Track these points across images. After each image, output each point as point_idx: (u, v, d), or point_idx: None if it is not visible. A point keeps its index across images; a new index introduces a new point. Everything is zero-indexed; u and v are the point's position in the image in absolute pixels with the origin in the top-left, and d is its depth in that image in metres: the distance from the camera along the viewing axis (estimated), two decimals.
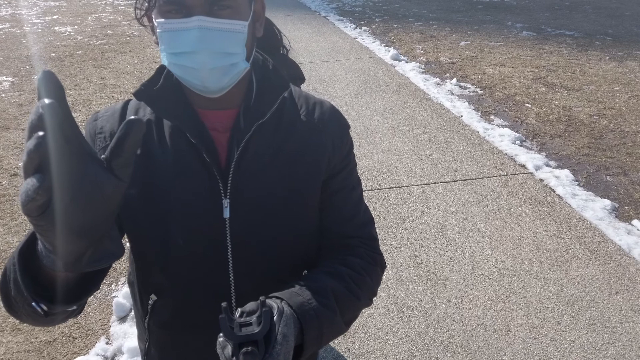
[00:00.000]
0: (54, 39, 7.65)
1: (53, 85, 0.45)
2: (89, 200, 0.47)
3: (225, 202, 0.84)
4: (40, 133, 0.42)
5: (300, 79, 1.83)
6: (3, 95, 5.23)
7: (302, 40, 7.67)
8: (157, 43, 0.79)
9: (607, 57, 6.60)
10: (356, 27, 8.67)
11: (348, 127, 0.97)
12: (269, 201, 0.86)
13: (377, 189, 3.49)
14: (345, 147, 0.95)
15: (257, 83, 0.88)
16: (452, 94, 5.41)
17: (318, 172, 0.90)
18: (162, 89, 0.84)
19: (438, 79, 5.91)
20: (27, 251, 0.60)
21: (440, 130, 4.45)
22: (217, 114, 0.86)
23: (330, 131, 0.92)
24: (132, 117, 0.48)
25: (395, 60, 6.64)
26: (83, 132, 0.65)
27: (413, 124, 4.59)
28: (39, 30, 8.19)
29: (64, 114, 0.44)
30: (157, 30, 0.76)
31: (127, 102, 0.91)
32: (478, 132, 4.41)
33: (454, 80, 5.75)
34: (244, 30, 0.78)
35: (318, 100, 0.96)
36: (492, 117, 4.79)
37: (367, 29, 8.57)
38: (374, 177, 3.64)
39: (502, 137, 4.28)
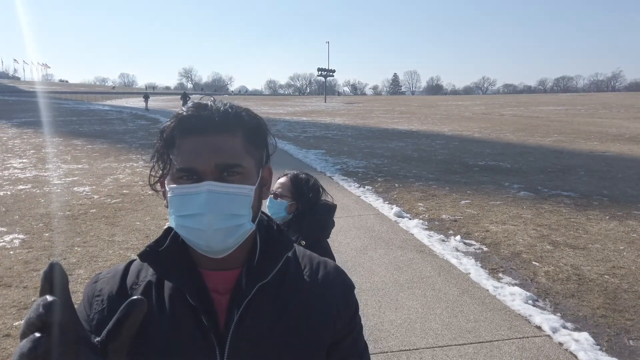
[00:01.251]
0: (71, 198, 8.03)
1: (58, 277, 0.48)
2: None
3: None
4: (37, 334, 0.44)
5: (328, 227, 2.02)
6: (12, 252, 5.29)
7: None
8: (167, 207, 0.82)
9: (607, 217, 6.74)
10: (360, 186, 9.10)
11: (353, 287, 0.95)
12: None
13: (387, 352, 3.27)
14: (350, 309, 0.92)
15: (261, 243, 0.89)
16: (457, 250, 5.41)
17: (322, 336, 0.86)
18: (168, 250, 0.85)
19: (442, 235, 5.98)
20: None
21: (449, 287, 4.34)
22: (220, 275, 0.85)
23: (334, 293, 0.90)
24: (135, 297, 0.49)
25: (399, 217, 6.81)
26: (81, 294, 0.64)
27: (420, 280, 4.50)
28: (58, 190, 8.64)
29: (63, 306, 0.46)
30: (169, 195, 0.80)
31: (130, 263, 0.91)
32: (488, 290, 4.29)
33: (458, 237, 5.80)
34: (251, 194, 0.81)
35: (322, 260, 0.96)
36: (500, 274, 4.71)
37: (370, 187, 8.99)
38: (382, 339, 3.44)
39: (513, 295, 4.15)
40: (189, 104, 0.84)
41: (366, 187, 9.06)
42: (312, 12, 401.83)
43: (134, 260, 0.92)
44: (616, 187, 8.89)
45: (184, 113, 0.81)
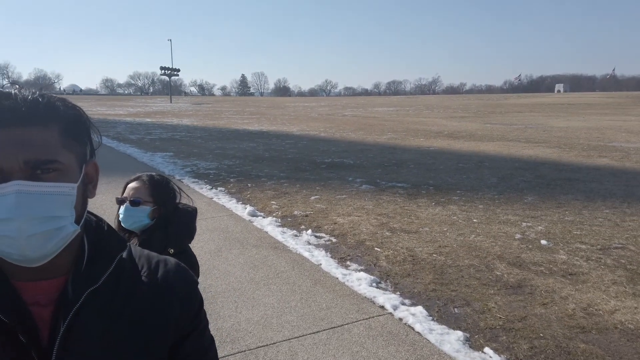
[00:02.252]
0: None
1: None
2: None
3: None
4: None
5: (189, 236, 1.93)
6: None
7: None
8: None
9: (433, 203, 7.71)
10: (212, 188, 8.92)
11: (196, 283, 0.93)
12: None
13: (245, 351, 3.28)
14: (193, 306, 0.90)
15: (89, 246, 0.81)
16: (309, 244, 5.67)
17: (164, 337, 0.83)
18: None
19: (295, 231, 6.20)
20: None
21: (303, 280, 4.53)
22: (40, 285, 0.76)
23: (176, 291, 0.87)
24: None
25: (253, 216, 6.86)
26: None
27: (276, 276, 4.61)
28: None
29: None
30: None
31: None
32: (337, 278, 4.59)
33: (310, 231, 6.08)
34: (72, 192, 0.74)
35: (162, 258, 0.91)
36: (348, 262, 5.07)
37: (222, 189, 8.88)
38: (240, 338, 3.44)
39: (359, 280, 4.50)
40: None
41: (218, 188, 8.92)
42: (151, 8, 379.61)
43: None
44: (439, 177, 10.21)
45: None
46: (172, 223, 1.98)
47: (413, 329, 3.63)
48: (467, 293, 4.28)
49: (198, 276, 1.98)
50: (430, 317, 3.83)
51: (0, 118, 0.69)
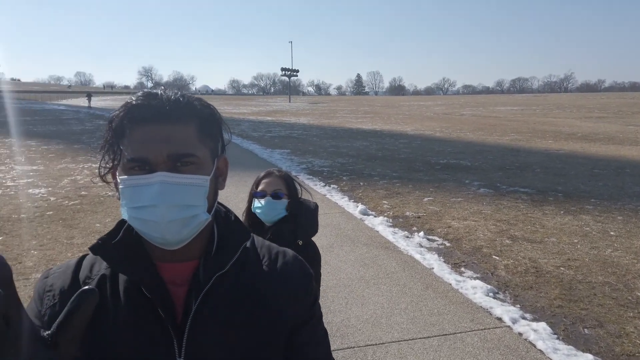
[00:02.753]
0: (25, 200, 7.69)
1: (1, 269, 0.47)
2: None
3: None
4: None
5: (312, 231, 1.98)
6: None
7: None
8: (119, 198, 0.80)
9: (562, 212, 7.03)
10: (325, 185, 9.14)
11: (312, 276, 0.95)
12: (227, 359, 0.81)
13: (354, 347, 3.30)
14: (309, 297, 0.93)
15: (218, 234, 0.88)
16: (421, 246, 5.52)
17: (281, 325, 0.87)
18: (121, 242, 0.83)
19: (406, 232, 6.09)
20: None
21: (413, 282, 4.43)
22: (176, 267, 0.84)
23: (293, 281, 0.91)
24: (86, 287, 0.48)
25: (364, 214, 6.88)
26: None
27: (386, 276, 4.56)
28: (12, 192, 8.27)
29: (7, 297, 0.46)
30: (120, 186, 0.78)
31: (82, 258, 0.89)
32: (450, 284, 4.40)
33: (422, 233, 5.92)
34: (206, 184, 0.80)
35: (281, 249, 0.96)
36: (462, 269, 4.84)
37: (335, 186, 9.04)
38: (350, 334, 3.47)
39: (474, 289, 4.27)
40: (138, 93, 0.81)
41: (332, 185, 9.10)
42: (275, 11, 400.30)
43: (86, 254, 0.89)
44: (570, 183, 9.29)
45: (134, 102, 0.79)
46: (299, 216, 2.05)
47: (534, 346, 3.34)
48: (601, 313, 3.83)
49: (320, 267, 2.09)
50: (556, 336, 3.50)
51: (149, 115, 0.77)
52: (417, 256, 5.14)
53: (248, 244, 0.89)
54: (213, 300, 0.82)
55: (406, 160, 12.59)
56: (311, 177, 10.06)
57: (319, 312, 0.96)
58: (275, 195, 2.01)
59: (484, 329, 3.57)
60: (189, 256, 0.84)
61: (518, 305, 4.00)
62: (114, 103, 49.18)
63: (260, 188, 2.04)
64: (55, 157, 12.78)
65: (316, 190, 8.71)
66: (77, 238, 5.69)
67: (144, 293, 0.79)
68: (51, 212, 6.88)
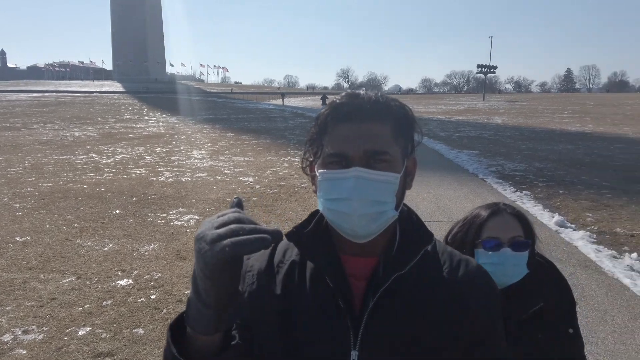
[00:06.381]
0: (237, 186, 8.98)
1: (240, 204, 0.71)
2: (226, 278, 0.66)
3: (354, 353, 0.81)
4: (238, 213, 0.68)
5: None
6: (188, 230, 6.14)
7: (457, 200, 7.68)
8: (315, 191, 0.87)
9: None
10: (516, 191, 8.42)
11: (497, 290, 0.90)
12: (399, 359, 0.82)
13: None
14: (491, 315, 0.88)
15: (400, 234, 0.89)
16: (632, 269, 4.68)
17: (457, 335, 0.84)
18: (312, 232, 0.90)
19: (614, 251, 5.23)
20: (176, 326, 0.74)
21: (618, 310, 3.79)
22: (358, 261, 0.87)
23: (474, 294, 0.87)
24: (277, 230, 0.63)
25: (561, 226, 6.14)
26: None
27: (582, 298, 4.00)
28: (227, 179, 9.73)
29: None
30: (318, 179, 0.85)
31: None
32: None
33: (635, 255, 5.01)
34: (396, 182, 0.83)
35: (464, 258, 0.92)
36: None
37: (528, 192, 8.26)
38: None
39: None
40: (342, 93, 0.88)
41: (524, 192, 8.35)
42: (470, 8, 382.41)
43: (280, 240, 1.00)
44: None
45: (338, 101, 0.86)
46: (544, 279, 1.51)
47: None
48: None
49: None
50: None
51: (352, 114, 0.83)
52: (626, 280, 4.38)
53: (429, 247, 0.89)
54: (389, 300, 0.83)
55: (622, 167, 10.79)
56: (500, 181, 9.39)
57: (501, 332, 0.90)
58: (517, 245, 1.35)
59: None
60: (371, 252, 0.87)
61: None
62: (304, 103, 53.74)
63: (488, 235, 1.37)
64: (262, 150, 14.58)
65: (505, 195, 8.10)
66: (273, 223, 6.41)
67: (327, 282, 0.84)
68: (255, 199, 7.89)
